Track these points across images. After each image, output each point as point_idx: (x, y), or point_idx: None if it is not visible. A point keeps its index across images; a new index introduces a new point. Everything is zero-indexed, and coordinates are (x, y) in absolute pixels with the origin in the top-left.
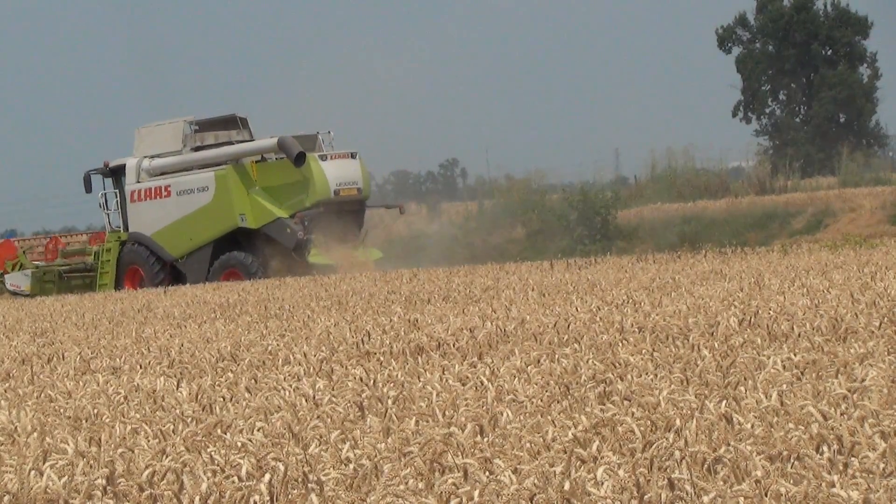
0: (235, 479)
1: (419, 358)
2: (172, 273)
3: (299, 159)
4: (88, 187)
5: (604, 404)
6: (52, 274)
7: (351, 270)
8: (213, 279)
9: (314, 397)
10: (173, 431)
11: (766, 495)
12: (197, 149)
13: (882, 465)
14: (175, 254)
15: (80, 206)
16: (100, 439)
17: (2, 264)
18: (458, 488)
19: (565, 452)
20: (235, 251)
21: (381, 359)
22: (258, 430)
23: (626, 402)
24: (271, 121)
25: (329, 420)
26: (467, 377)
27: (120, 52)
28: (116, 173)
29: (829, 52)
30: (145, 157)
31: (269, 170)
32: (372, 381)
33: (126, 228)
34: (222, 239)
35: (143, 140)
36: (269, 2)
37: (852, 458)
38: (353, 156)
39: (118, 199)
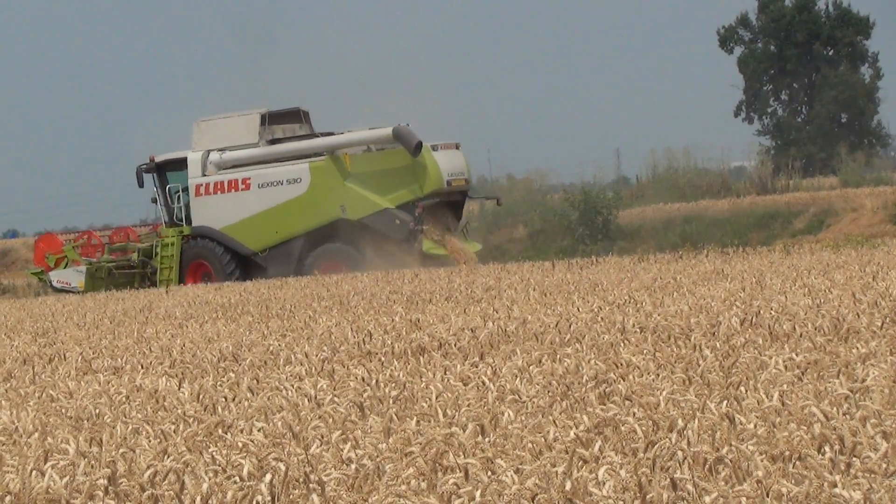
0: (237, 479)
1: (421, 358)
2: (242, 267)
3: (417, 149)
4: (141, 182)
5: (605, 404)
6: (102, 270)
7: (459, 262)
8: (309, 272)
9: (316, 397)
10: (175, 431)
11: (767, 495)
12: (272, 141)
13: (884, 466)
14: (254, 247)
15: (81, 205)
16: (101, 439)
17: (41, 259)
18: (459, 488)
19: (567, 452)
20: (336, 243)
21: (383, 359)
22: (259, 431)
23: (609, 394)
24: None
25: (330, 420)
26: (469, 377)
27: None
28: (165, 167)
29: (830, 52)
30: (212, 150)
31: (363, 160)
32: (373, 381)
33: (188, 222)
34: (314, 231)
35: (204, 133)
36: None
37: (854, 459)
38: (457, 146)
39: (168, 193)
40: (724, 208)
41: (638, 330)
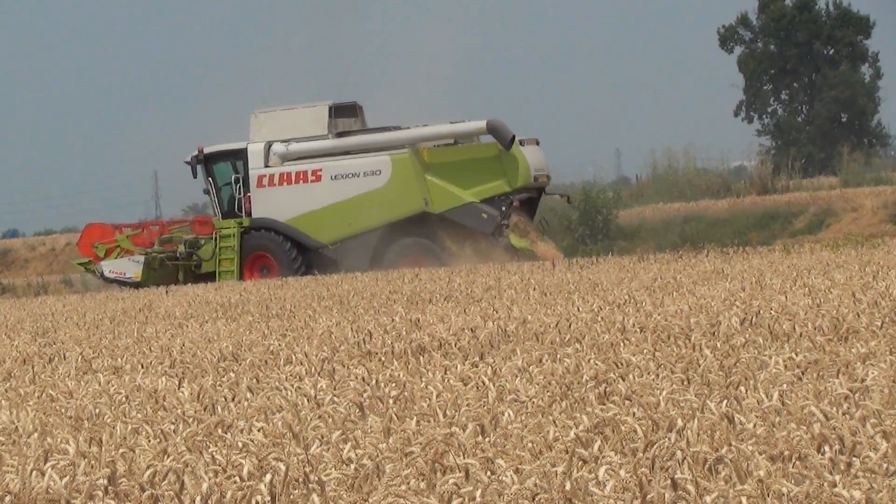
0: (237, 479)
1: (421, 358)
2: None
3: (511, 143)
4: (195, 173)
5: (605, 404)
6: (156, 261)
7: (546, 258)
8: (391, 265)
9: (315, 397)
10: (174, 431)
11: (767, 495)
12: (339, 134)
13: (884, 465)
14: (324, 240)
15: (81, 205)
16: (101, 439)
17: (88, 249)
18: (459, 488)
19: (567, 452)
20: (417, 237)
21: (383, 358)
22: (259, 430)
23: (609, 394)
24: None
25: (330, 420)
26: (469, 377)
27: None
28: (216, 159)
29: (831, 52)
30: (275, 141)
31: (441, 153)
32: (373, 381)
33: (244, 214)
34: (393, 224)
35: (264, 124)
36: None
37: (854, 458)
38: (537, 142)
39: (216, 185)
40: (724, 208)
41: (638, 330)
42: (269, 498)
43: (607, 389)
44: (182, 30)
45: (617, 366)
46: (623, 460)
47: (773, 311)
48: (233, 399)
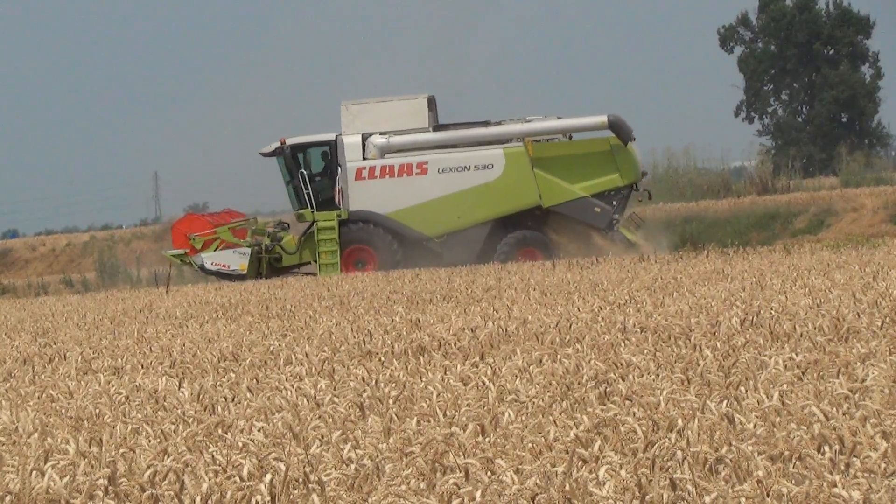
0: (237, 479)
1: (421, 358)
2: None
3: (630, 139)
4: (290, 165)
5: (605, 404)
6: (254, 254)
7: (647, 252)
8: (503, 259)
9: (315, 397)
10: (175, 431)
11: (767, 495)
12: (437, 127)
13: (884, 465)
14: (429, 233)
15: (81, 205)
16: (101, 439)
17: (183, 241)
18: (459, 488)
19: (567, 452)
20: (528, 231)
21: (383, 359)
22: (259, 431)
23: (609, 394)
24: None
25: (330, 420)
26: (469, 377)
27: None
28: (301, 150)
29: (831, 52)
30: (373, 133)
31: (548, 148)
32: (373, 381)
33: (337, 206)
34: (503, 218)
35: (357, 117)
36: None
37: (854, 458)
38: (633, 138)
39: (301, 177)
40: (725, 208)
41: (638, 330)
42: (269, 498)
43: (607, 390)
44: (182, 30)
45: (617, 366)
46: (623, 460)
47: (773, 312)
48: (233, 399)
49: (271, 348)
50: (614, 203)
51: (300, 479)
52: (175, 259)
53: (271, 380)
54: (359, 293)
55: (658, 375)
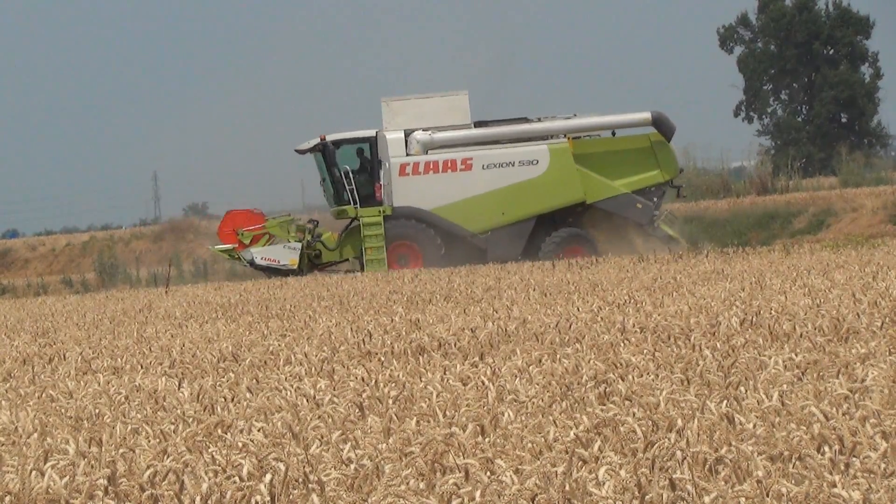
0: (236, 479)
1: (420, 358)
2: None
3: (672, 135)
4: (332, 160)
5: (604, 404)
6: (301, 250)
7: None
8: (548, 255)
9: (315, 397)
10: (174, 432)
11: (767, 495)
12: (479, 124)
13: (883, 466)
14: (473, 229)
15: (81, 205)
16: (101, 439)
17: (231, 236)
18: (459, 488)
19: (567, 452)
20: (572, 227)
21: (383, 359)
22: (259, 431)
23: (609, 394)
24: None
25: (330, 420)
26: (469, 377)
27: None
28: (340, 147)
29: (830, 52)
30: (416, 129)
31: (588, 144)
32: (373, 382)
33: (378, 202)
34: (547, 214)
35: (398, 113)
36: None
37: (854, 459)
38: None
39: (344, 173)
40: (724, 208)
41: (638, 330)
42: (268, 498)
43: (607, 390)
44: (182, 29)
45: (617, 366)
46: (623, 460)
47: (772, 312)
48: (232, 399)
49: (271, 348)
50: (654, 199)
51: (300, 479)
52: (223, 254)
53: (271, 380)
54: (358, 293)
55: (658, 375)
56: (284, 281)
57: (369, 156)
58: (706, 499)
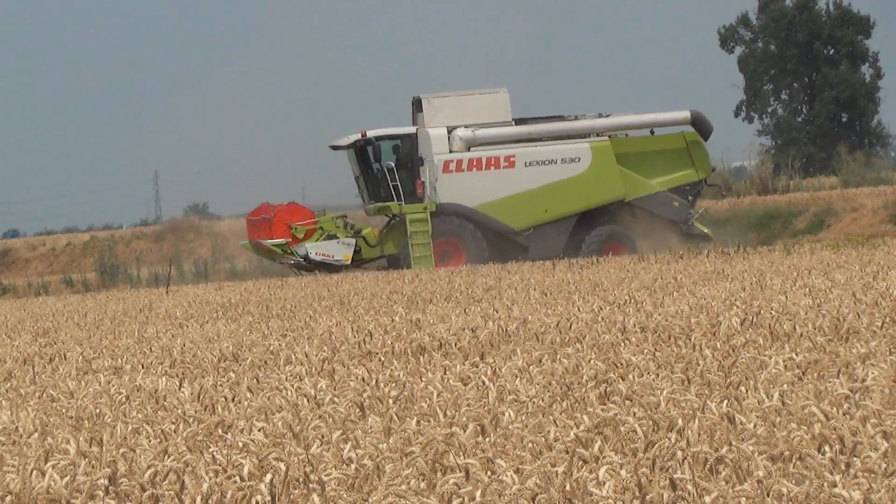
0: (237, 478)
1: (421, 358)
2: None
3: (710, 134)
4: (376, 157)
5: (605, 404)
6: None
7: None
8: (589, 253)
9: (316, 397)
10: (175, 431)
11: (768, 495)
12: (519, 121)
13: (884, 465)
14: (516, 226)
15: (81, 205)
16: (101, 439)
17: (284, 231)
18: (459, 488)
19: (567, 452)
20: (612, 225)
21: (383, 359)
22: (260, 430)
23: (609, 394)
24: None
25: (330, 420)
26: (469, 377)
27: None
28: (381, 143)
29: (831, 52)
30: (458, 126)
31: (626, 143)
32: (374, 381)
33: (419, 199)
34: (588, 211)
35: (439, 110)
36: None
37: (854, 458)
38: None
39: (388, 170)
40: (725, 208)
41: (638, 330)
42: (269, 498)
43: (608, 389)
44: (182, 29)
45: (617, 366)
46: (623, 460)
47: (773, 312)
48: (233, 399)
49: (271, 348)
50: (689, 198)
51: (300, 479)
52: (276, 249)
53: (271, 380)
54: (359, 293)
55: (658, 375)
56: (285, 281)
57: (407, 152)
58: (707, 499)
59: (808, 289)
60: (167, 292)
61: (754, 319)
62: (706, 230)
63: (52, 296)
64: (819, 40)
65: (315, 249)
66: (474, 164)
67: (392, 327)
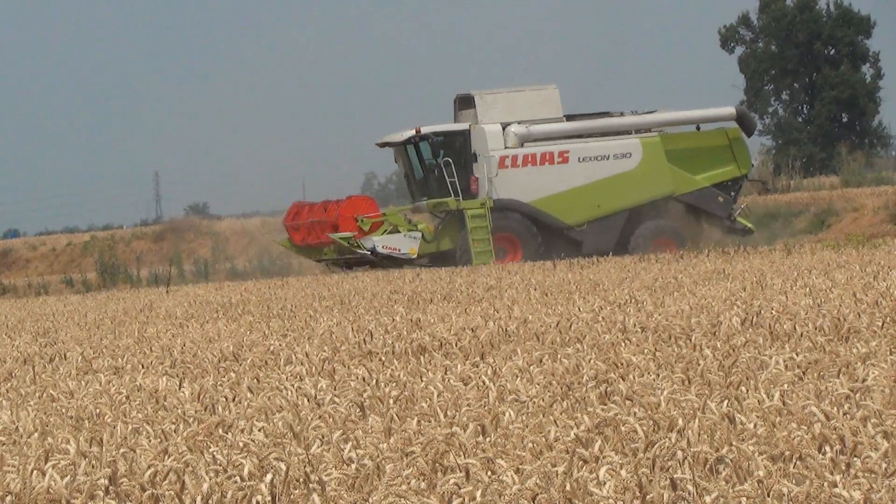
0: (237, 479)
1: (421, 358)
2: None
3: (753, 130)
4: (421, 155)
5: (605, 404)
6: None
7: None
8: (640, 249)
9: (316, 397)
10: (175, 431)
11: (768, 495)
12: (569, 117)
13: (884, 465)
14: (570, 221)
15: (81, 205)
16: (102, 439)
17: (350, 224)
18: (460, 488)
19: (567, 452)
20: (661, 220)
21: (384, 358)
22: (260, 430)
23: (610, 394)
24: None
25: (331, 420)
26: (469, 377)
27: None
28: (434, 139)
29: (831, 52)
30: (511, 122)
31: (672, 139)
32: (374, 381)
33: (474, 195)
34: (638, 207)
35: (492, 106)
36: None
37: (855, 458)
38: None
39: (446, 165)
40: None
41: (639, 330)
42: (269, 498)
43: (608, 389)
44: (182, 29)
45: (617, 366)
46: (624, 460)
47: (773, 311)
48: (233, 399)
49: (272, 348)
50: (732, 193)
51: (301, 479)
52: (342, 241)
53: (272, 380)
54: (359, 293)
55: (658, 375)
56: (285, 280)
57: (460, 148)
58: (707, 499)
59: (808, 289)
60: (167, 292)
61: (755, 319)
62: (749, 225)
63: (52, 296)
64: (820, 40)
65: (382, 243)
66: (529, 159)
67: (392, 327)
